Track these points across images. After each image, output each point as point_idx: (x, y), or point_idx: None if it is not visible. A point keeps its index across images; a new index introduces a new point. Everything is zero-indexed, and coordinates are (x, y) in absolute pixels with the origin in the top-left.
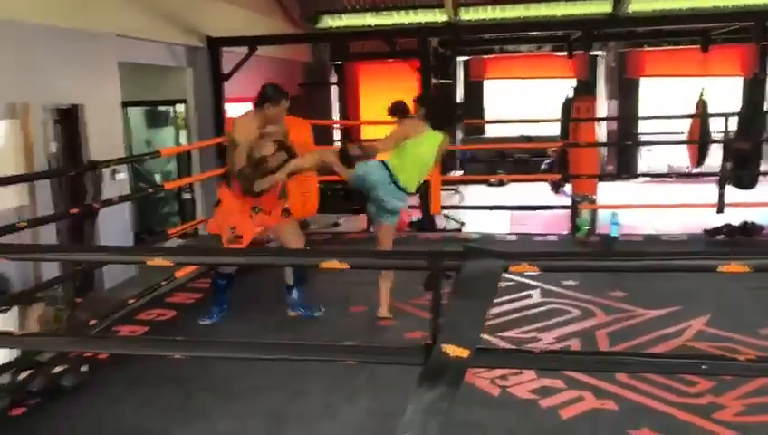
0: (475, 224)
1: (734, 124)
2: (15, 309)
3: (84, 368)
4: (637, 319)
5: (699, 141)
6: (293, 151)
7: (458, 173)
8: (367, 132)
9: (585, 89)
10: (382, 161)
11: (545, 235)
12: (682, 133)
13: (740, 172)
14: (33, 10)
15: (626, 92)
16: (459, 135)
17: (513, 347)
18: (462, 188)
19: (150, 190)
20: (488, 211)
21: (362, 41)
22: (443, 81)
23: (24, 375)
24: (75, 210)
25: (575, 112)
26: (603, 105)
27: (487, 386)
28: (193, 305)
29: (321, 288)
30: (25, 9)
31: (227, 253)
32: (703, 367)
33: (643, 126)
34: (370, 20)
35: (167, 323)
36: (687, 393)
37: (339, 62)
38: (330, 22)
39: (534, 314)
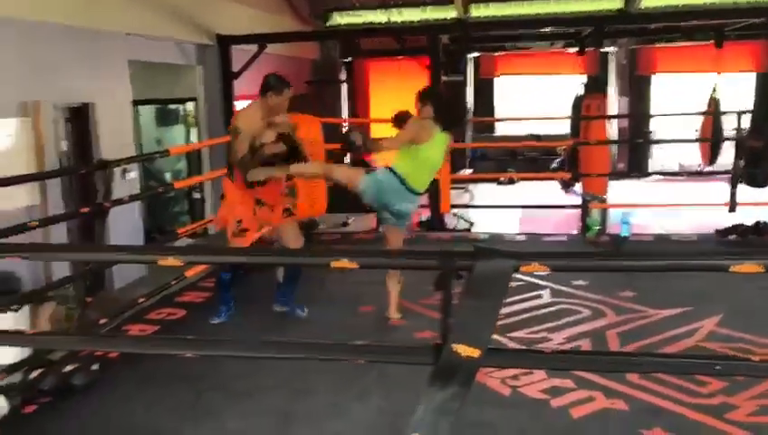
0: (485, 223)
1: (746, 122)
2: (27, 308)
3: (95, 367)
4: (648, 319)
5: (711, 139)
6: (301, 147)
7: (468, 171)
8: (376, 130)
9: (596, 86)
10: (389, 168)
11: (555, 234)
12: (694, 131)
13: (753, 171)
14: (43, 9)
15: (637, 90)
16: (469, 133)
17: (524, 347)
18: (472, 186)
19: (161, 189)
20: (498, 210)
21: (372, 38)
22: (453, 78)
23: (35, 374)
24: (86, 209)
25: (586, 110)
26: (614, 102)
27: (498, 386)
28: (203, 305)
29: (331, 288)
30: (36, 8)
31: (237, 252)
32: (716, 367)
33: (654, 124)
34: (380, 17)
35: (176, 323)
36: (699, 393)
37: (348, 60)
38: (339, 19)
39: (544, 314)
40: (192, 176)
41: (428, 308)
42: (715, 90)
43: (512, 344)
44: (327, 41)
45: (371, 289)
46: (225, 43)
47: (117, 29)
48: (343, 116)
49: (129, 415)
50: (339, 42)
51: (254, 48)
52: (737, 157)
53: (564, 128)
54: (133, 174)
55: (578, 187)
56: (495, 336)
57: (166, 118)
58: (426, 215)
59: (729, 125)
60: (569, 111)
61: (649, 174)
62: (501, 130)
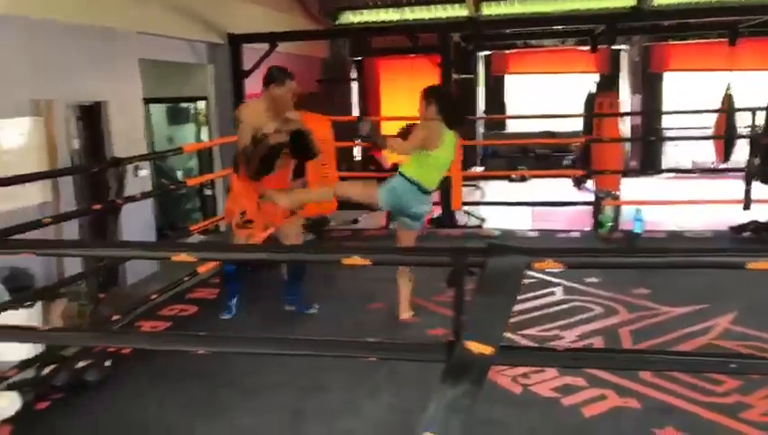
0: (496, 220)
1: (761, 119)
2: (39, 304)
3: (107, 363)
4: (661, 317)
5: (725, 136)
6: (312, 142)
7: (479, 169)
8: (387, 129)
9: (608, 84)
10: (400, 174)
11: (567, 231)
12: (708, 128)
13: (767, 168)
14: (55, 8)
15: (650, 87)
16: (480, 130)
17: (536, 345)
18: (483, 183)
19: (173, 187)
20: (509, 207)
21: (383, 36)
22: (464, 76)
23: (48, 370)
24: (98, 206)
25: (598, 108)
26: (626, 100)
27: (509, 384)
28: (214, 301)
29: (342, 285)
30: (48, 7)
31: (250, 249)
32: (731, 365)
33: (668, 121)
34: (391, 15)
35: (188, 319)
36: (713, 392)
37: (359, 58)
38: (350, 17)
39: (556, 311)
40: (203, 173)
41: (440, 305)
42: (729, 87)
43: (524, 342)
44: (337, 39)
45: (382, 286)
46: (235, 41)
47: (128, 28)
48: (353, 115)
49: (142, 411)
50: (349, 40)
51: (264, 47)
52: (752, 154)
53: (577, 125)
54: (145, 171)
55: (590, 183)
56: (507, 334)
57: (177, 116)
58: (437, 212)
59: (743, 122)
60: (581, 109)
61: (662, 171)
62: (512, 127)
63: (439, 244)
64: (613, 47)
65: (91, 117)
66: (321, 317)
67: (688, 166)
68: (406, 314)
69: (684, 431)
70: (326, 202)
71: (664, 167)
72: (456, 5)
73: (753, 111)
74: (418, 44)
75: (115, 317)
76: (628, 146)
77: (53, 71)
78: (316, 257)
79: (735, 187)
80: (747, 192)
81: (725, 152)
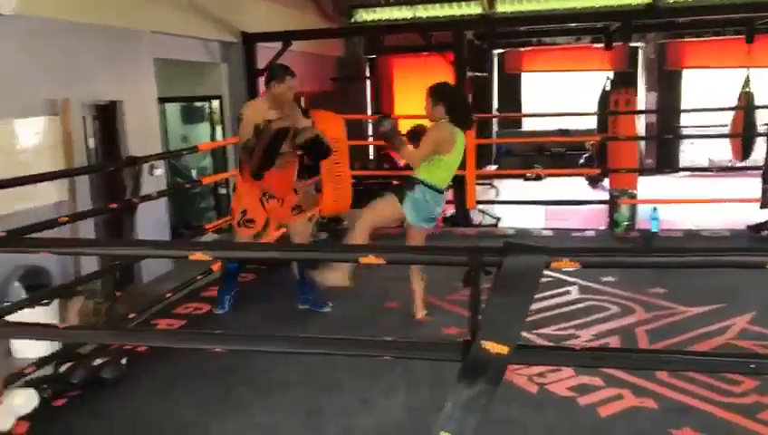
0: (511, 219)
1: None
2: (56, 302)
3: (124, 361)
4: (678, 316)
5: (743, 134)
6: (325, 144)
7: (493, 167)
8: (400, 127)
9: (624, 81)
10: (423, 183)
11: (583, 230)
12: (724, 126)
13: None
14: (71, 8)
15: (666, 84)
16: (495, 129)
17: (552, 344)
18: (497, 182)
19: (188, 185)
20: (524, 206)
21: (396, 34)
22: (478, 74)
23: (65, 367)
24: (115, 205)
25: (613, 105)
26: (642, 98)
27: (525, 383)
28: (235, 298)
29: (357, 283)
30: (64, 7)
31: (266, 247)
32: (751, 366)
33: (685, 119)
34: (405, 13)
35: (203, 317)
36: (731, 393)
37: (372, 57)
38: (364, 15)
39: (572, 310)
40: (218, 172)
41: (455, 304)
42: (746, 84)
43: (539, 341)
44: (351, 37)
45: (397, 285)
46: (249, 40)
47: (143, 27)
48: (368, 113)
49: (158, 408)
50: (363, 38)
51: (278, 45)
52: None
53: (593, 123)
54: (160, 170)
55: (605, 182)
56: (522, 333)
57: (191, 115)
58: (450, 211)
59: (761, 120)
60: (596, 107)
61: (679, 169)
62: (527, 125)
63: (454, 243)
64: (630, 44)
65: (107, 116)
66: (336, 316)
67: (705, 164)
68: (420, 312)
69: (701, 432)
70: (343, 205)
71: (682, 165)
72: (471, 3)
73: None
74: (432, 42)
75: (131, 315)
76: (642, 144)
77: (69, 70)
78: (332, 256)
79: (753, 185)
80: (765, 191)
81: (744, 150)
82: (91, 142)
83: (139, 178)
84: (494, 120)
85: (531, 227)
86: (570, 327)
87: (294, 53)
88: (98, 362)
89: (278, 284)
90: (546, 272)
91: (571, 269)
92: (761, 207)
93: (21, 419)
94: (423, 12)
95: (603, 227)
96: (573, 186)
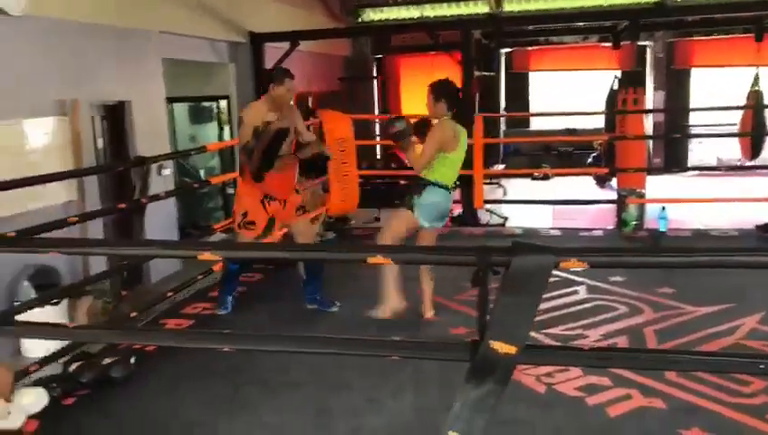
0: (519, 218)
1: None
2: (65, 302)
3: (132, 360)
4: (686, 316)
5: (752, 133)
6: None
7: (501, 167)
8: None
9: (632, 80)
10: (434, 184)
11: (591, 230)
12: (733, 125)
13: None
14: (80, 9)
15: (675, 83)
16: (502, 128)
17: (560, 344)
18: (505, 181)
19: (196, 185)
20: (532, 205)
21: (404, 34)
22: (485, 73)
23: (74, 366)
24: (123, 205)
25: (621, 105)
26: (649, 97)
27: (533, 383)
28: (236, 299)
29: (366, 283)
30: (73, 8)
31: (271, 247)
32: (761, 366)
33: (693, 118)
34: (412, 12)
35: (211, 317)
36: (740, 393)
37: (379, 56)
38: (371, 15)
39: (580, 310)
40: (226, 172)
41: (463, 304)
42: (756, 82)
43: (547, 341)
44: (359, 37)
45: (405, 285)
46: (257, 40)
47: (151, 27)
48: (375, 113)
49: (166, 407)
50: (370, 38)
51: (286, 45)
52: None
53: (600, 122)
54: (168, 170)
55: (613, 182)
56: (530, 333)
57: (199, 115)
58: (458, 210)
59: None
60: (603, 106)
61: (687, 169)
62: (534, 124)
63: (462, 242)
64: (638, 43)
65: (115, 116)
66: (344, 316)
67: (713, 163)
68: (429, 312)
69: (710, 432)
70: (350, 205)
71: (690, 164)
72: (478, 2)
73: None
74: (439, 42)
75: (139, 315)
76: (650, 143)
77: (78, 71)
78: (340, 256)
79: (762, 184)
80: None
81: (753, 149)
82: (100, 142)
83: (148, 179)
84: (502, 120)
85: (538, 227)
86: (578, 327)
87: (302, 52)
88: (107, 361)
89: (285, 283)
90: (554, 272)
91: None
92: None
93: (31, 417)
94: (430, 11)
95: (611, 227)
96: (581, 185)
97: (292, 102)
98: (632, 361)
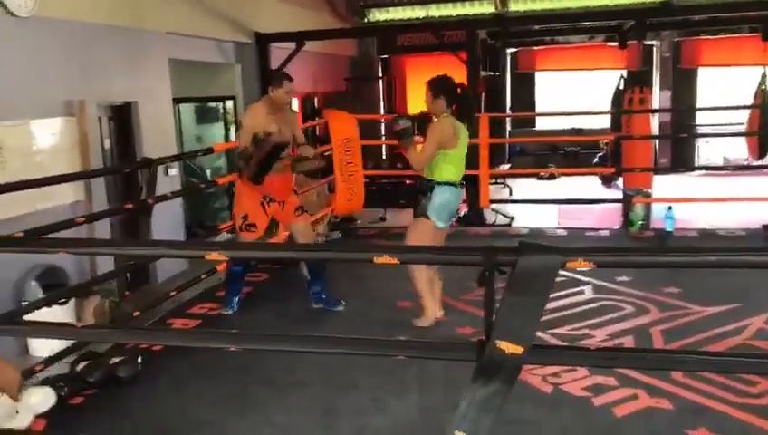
0: (525, 218)
1: None
2: (72, 302)
3: (139, 359)
4: (693, 316)
5: (759, 133)
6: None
7: (507, 167)
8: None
9: (638, 79)
10: (446, 183)
11: (597, 229)
12: (740, 124)
13: None
14: (87, 10)
15: (681, 83)
16: (508, 127)
17: (566, 344)
18: (510, 181)
19: (203, 186)
20: (538, 205)
21: (409, 34)
22: (491, 73)
23: (81, 366)
24: (130, 206)
25: (628, 104)
26: (655, 96)
27: (539, 383)
28: (242, 299)
29: (370, 283)
30: (80, 9)
31: (278, 247)
32: None
33: (700, 117)
34: (418, 12)
35: (218, 317)
36: (747, 393)
37: (385, 56)
38: (377, 15)
39: (586, 310)
40: (232, 172)
41: (470, 304)
42: (763, 81)
43: (553, 341)
44: (364, 37)
45: (409, 284)
46: (263, 41)
47: (158, 28)
48: (380, 113)
49: (173, 407)
50: (376, 38)
51: (292, 46)
52: None
53: (606, 122)
54: (175, 171)
55: (620, 181)
56: (537, 333)
57: (205, 116)
58: (464, 210)
59: None
60: (609, 106)
61: (694, 168)
62: (540, 124)
63: (468, 242)
64: (644, 43)
65: (122, 117)
66: (350, 316)
67: (720, 163)
68: (439, 312)
69: (717, 433)
70: (356, 205)
71: (698, 164)
72: (484, 2)
73: None
74: (445, 42)
75: (146, 314)
76: (656, 143)
77: (85, 71)
78: (346, 256)
79: None
80: None
81: (760, 148)
82: (107, 143)
83: (154, 179)
84: (508, 120)
85: (545, 227)
86: (584, 327)
87: (308, 53)
88: (114, 360)
89: (291, 283)
90: (560, 271)
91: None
92: None
93: (38, 416)
94: (436, 11)
95: (617, 227)
96: (587, 185)
97: (294, 106)
98: (639, 361)
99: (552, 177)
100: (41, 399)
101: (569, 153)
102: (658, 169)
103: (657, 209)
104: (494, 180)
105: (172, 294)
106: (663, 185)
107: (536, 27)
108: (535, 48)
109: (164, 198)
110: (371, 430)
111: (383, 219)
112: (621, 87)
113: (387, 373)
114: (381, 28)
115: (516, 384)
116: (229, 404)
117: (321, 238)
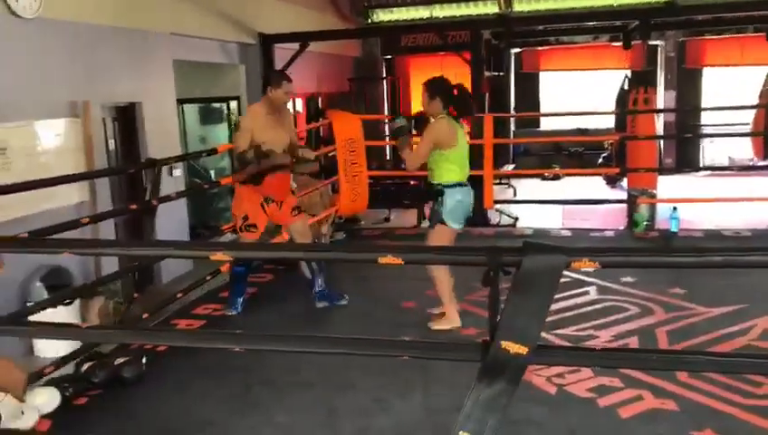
0: (529, 219)
1: None
2: (77, 302)
3: (144, 360)
4: (698, 317)
5: (764, 133)
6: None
7: (511, 167)
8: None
9: (643, 79)
10: (448, 187)
11: (601, 230)
12: (746, 124)
13: None
14: (92, 11)
15: (686, 83)
16: (512, 128)
17: (571, 344)
18: (515, 182)
19: (207, 186)
20: (542, 205)
21: (413, 34)
22: (495, 73)
23: (86, 366)
24: (135, 206)
25: (632, 104)
26: (660, 96)
27: (544, 384)
28: (246, 300)
29: (374, 284)
30: (85, 10)
31: (283, 247)
32: None
33: (705, 117)
34: (422, 13)
35: (222, 318)
36: (753, 394)
37: (389, 57)
38: (381, 16)
39: (591, 311)
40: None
41: (474, 305)
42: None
43: (558, 342)
44: (368, 38)
45: (414, 285)
46: (267, 41)
47: (162, 29)
48: (384, 113)
49: (177, 407)
50: (380, 38)
51: (296, 46)
52: None
53: (610, 122)
54: (179, 171)
55: (624, 182)
56: (541, 333)
57: (209, 116)
58: None
59: None
60: (614, 106)
61: (699, 169)
62: (544, 124)
63: (473, 243)
64: (649, 43)
65: (127, 118)
66: (355, 316)
67: (725, 163)
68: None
69: (722, 434)
70: (360, 205)
71: (703, 164)
72: (488, 2)
73: None
74: (449, 42)
75: (151, 315)
76: (661, 143)
77: (90, 72)
78: (351, 256)
79: None
80: None
81: (765, 148)
82: (111, 143)
83: (159, 180)
84: (512, 120)
85: (549, 227)
86: (589, 328)
87: (312, 53)
88: (118, 361)
89: (295, 284)
90: (565, 272)
91: (590, 269)
92: None
93: (43, 417)
94: (440, 11)
95: (622, 227)
96: (591, 185)
97: (298, 107)
98: (643, 362)
99: (556, 177)
100: (46, 399)
101: (573, 153)
102: (663, 170)
103: (662, 210)
104: (498, 181)
105: (179, 295)
106: (668, 185)
107: (540, 27)
108: (539, 48)
109: (168, 198)
110: (375, 430)
111: (387, 220)
112: (626, 87)
113: (390, 374)
114: (385, 28)
115: (521, 385)
116: (233, 404)
117: (326, 239)
